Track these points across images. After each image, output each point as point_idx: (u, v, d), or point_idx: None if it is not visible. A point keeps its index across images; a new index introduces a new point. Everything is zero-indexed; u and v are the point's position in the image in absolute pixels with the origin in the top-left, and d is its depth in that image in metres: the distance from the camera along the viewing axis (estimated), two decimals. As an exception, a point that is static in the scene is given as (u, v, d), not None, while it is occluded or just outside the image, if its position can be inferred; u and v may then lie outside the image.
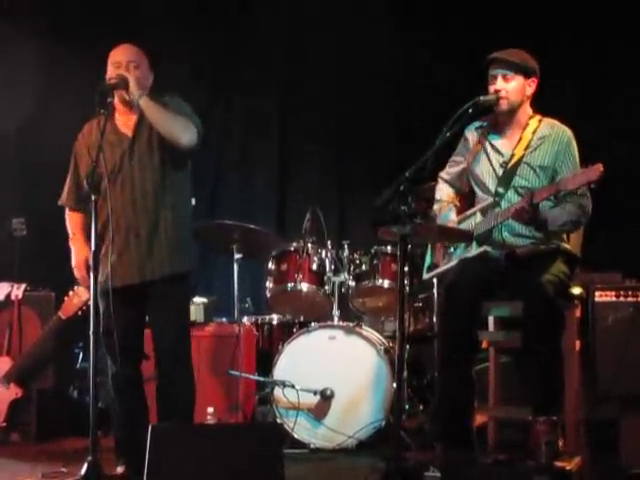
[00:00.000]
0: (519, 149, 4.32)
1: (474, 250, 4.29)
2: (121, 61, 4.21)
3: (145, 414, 4.33)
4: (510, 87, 4.28)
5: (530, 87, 4.32)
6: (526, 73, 4.29)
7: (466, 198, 4.58)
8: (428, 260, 4.67)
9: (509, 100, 4.28)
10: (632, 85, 5.99)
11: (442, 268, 4.51)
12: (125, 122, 4.27)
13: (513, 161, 4.32)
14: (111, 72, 4.20)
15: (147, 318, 4.34)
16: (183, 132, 4.15)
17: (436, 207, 4.57)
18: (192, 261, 4.36)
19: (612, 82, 6.10)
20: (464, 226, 4.39)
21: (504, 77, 4.28)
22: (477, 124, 4.46)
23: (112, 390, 4.28)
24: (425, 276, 4.71)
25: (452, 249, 4.47)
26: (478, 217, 4.34)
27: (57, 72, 6.50)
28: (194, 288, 5.04)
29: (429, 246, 4.67)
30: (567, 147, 4.28)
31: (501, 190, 4.31)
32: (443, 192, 4.61)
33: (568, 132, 4.32)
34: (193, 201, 4.48)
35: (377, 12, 6.80)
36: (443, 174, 4.63)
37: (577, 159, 4.27)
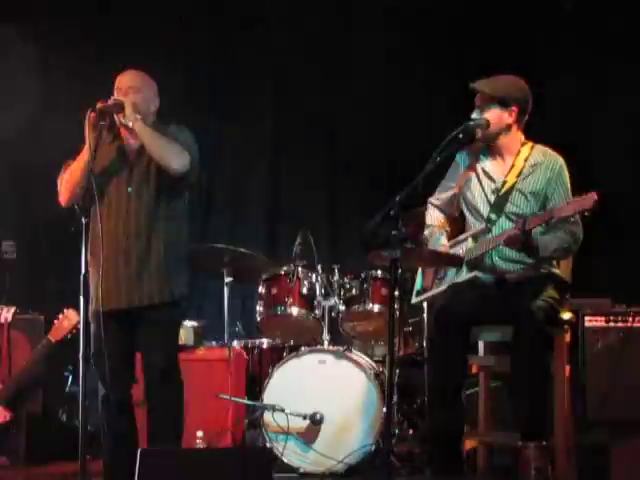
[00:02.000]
0: (511, 176, 4.33)
1: (464, 275, 4.30)
2: (122, 87, 4.27)
3: (135, 438, 4.32)
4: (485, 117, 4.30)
5: (510, 116, 4.31)
6: (502, 103, 4.29)
7: (456, 223, 4.59)
8: (418, 284, 4.68)
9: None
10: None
11: (432, 292, 4.52)
12: (127, 146, 4.29)
13: (505, 188, 4.33)
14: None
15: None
16: (175, 158, 4.16)
17: (427, 232, 4.58)
18: (183, 289, 4.35)
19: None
20: (455, 251, 4.39)
21: (480, 107, 4.31)
22: (469, 149, 4.47)
23: (101, 414, 4.27)
24: (414, 300, 4.72)
25: (442, 274, 4.48)
26: (470, 242, 4.34)
27: (51, 90, 6.49)
28: (185, 313, 5.02)
29: (419, 270, 4.68)
30: (559, 175, 4.30)
31: (493, 216, 4.33)
32: (434, 217, 4.61)
33: (560, 160, 4.33)
34: (185, 226, 4.48)
35: (372, 43, 6.87)
36: (433, 200, 4.64)
37: (569, 187, 4.29)
